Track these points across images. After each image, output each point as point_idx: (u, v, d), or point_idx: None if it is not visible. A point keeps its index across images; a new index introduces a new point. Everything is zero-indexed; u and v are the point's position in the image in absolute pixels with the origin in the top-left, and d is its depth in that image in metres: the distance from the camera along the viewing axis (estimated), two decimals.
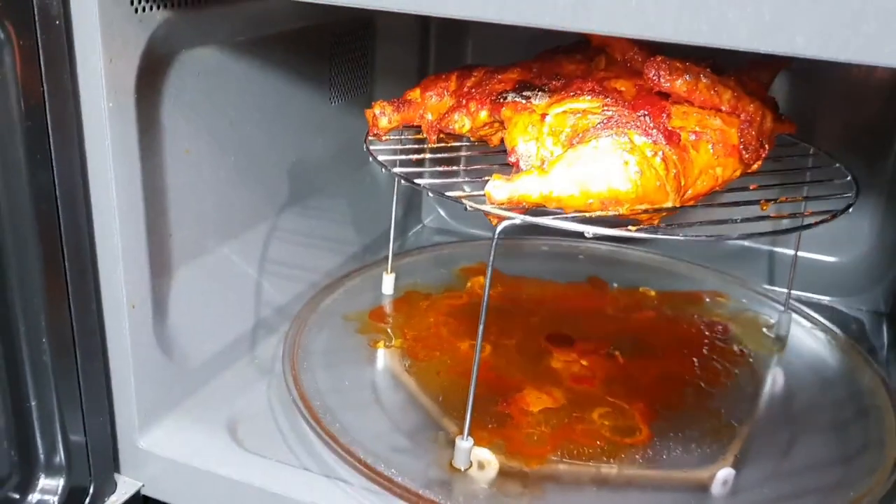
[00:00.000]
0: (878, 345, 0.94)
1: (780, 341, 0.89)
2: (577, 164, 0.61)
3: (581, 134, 0.64)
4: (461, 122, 0.73)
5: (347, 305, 0.90)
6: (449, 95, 0.77)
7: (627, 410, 0.75)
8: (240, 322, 0.83)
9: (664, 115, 0.66)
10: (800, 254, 0.90)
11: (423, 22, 1.09)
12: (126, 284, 0.65)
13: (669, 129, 0.65)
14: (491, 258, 0.61)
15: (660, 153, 0.62)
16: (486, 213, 0.62)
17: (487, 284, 0.62)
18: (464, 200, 0.62)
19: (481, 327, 0.63)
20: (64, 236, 0.59)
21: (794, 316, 0.92)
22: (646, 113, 0.66)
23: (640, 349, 0.85)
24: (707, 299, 0.97)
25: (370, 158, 0.71)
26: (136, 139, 0.64)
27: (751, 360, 0.85)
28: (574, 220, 0.61)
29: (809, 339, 0.90)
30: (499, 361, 0.81)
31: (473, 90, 0.74)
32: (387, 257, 0.95)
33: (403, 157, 0.73)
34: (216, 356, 0.79)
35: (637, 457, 0.70)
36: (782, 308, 0.91)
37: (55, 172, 0.58)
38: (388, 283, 0.93)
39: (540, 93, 0.70)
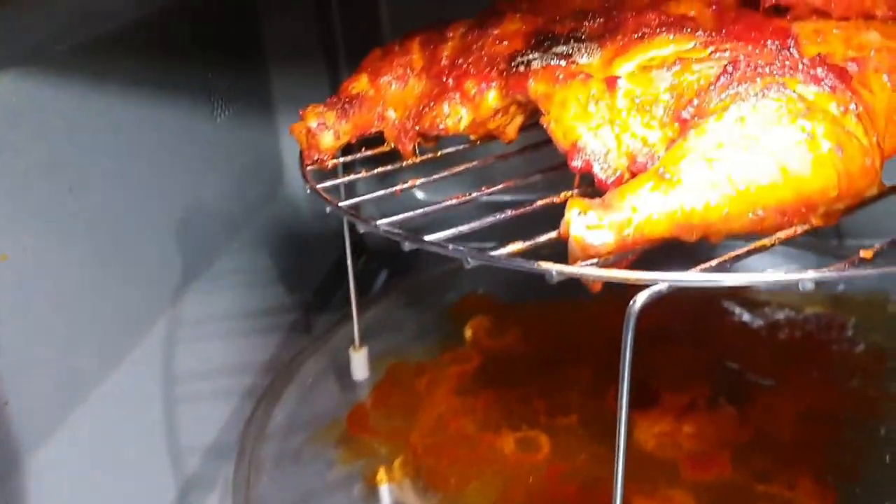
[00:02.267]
0: None
1: None
2: (721, 155, 0.34)
3: (696, 99, 0.37)
4: (455, 116, 0.45)
5: (310, 416, 0.60)
6: (415, 77, 0.48)
7: (795, 500, 0.49)
8: (154, 495, 0.52)
9: (790, 43, 0.40)
10: None
11: None
12: None
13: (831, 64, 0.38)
14: (626, 361, 0.33)
15: (851, 107, 0.36)
16: (587, 281, 0.34)
17: (624, 401, 0.33)
18: (545, 266, 0.33)
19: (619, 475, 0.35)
20: None
21: None
22: (778, 45, 0.39)
23: (750, 385, 0.59)
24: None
25: (327, 209, 0.41)
26: None
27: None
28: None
29: None
30: (568, 461, 0.53)
31: (461, 61, 0.46)
32: (341, 321, 0.66)
33: (381, 190, 0.43)
34: None
35: None
36: None
37: None
38: (359, 364, 0.62)
39: (577, 44, 0.42)
